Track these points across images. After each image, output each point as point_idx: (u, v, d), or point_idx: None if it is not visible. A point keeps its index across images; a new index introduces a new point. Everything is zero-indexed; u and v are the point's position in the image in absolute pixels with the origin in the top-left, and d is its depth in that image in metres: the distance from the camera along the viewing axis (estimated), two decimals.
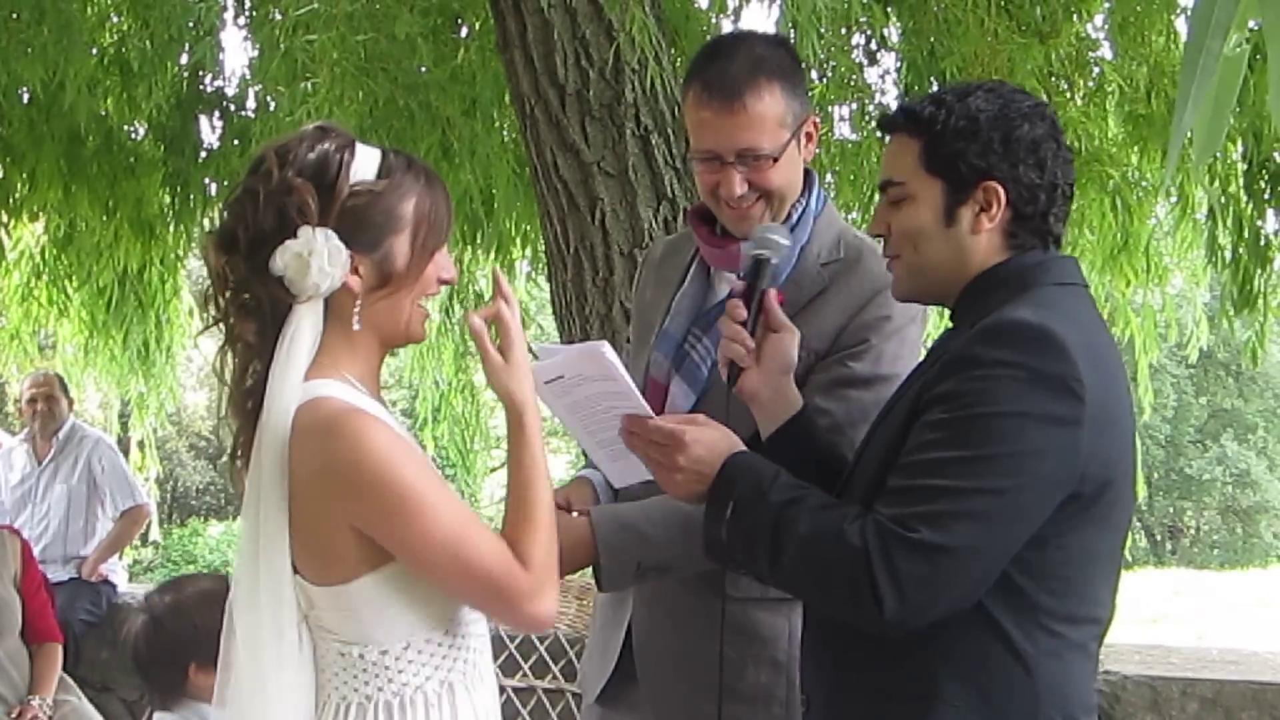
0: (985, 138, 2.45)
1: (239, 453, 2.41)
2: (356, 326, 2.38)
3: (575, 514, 2.95)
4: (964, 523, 2.26)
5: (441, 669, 2.37)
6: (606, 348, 2.56)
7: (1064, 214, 2.54)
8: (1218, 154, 6.06)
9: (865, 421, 2.71)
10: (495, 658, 4.18)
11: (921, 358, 2.78)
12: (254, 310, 2.34)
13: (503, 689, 4.21)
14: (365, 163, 2.38)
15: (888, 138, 2.62)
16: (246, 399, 2.38)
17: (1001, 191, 2.46)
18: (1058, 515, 2.32)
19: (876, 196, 6.52)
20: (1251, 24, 1.20)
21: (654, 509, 2.86)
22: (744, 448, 2.56)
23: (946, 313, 2.66)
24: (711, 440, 2.55)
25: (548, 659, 4.29)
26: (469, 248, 7.58)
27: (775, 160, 2.89)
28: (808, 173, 3.06)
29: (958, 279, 2.52)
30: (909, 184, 2.52)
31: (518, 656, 4.29)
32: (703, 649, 2.90)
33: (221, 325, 2.39)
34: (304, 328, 2.33)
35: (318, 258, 2.29)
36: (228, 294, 2.35)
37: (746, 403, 2.75)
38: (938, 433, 2.33)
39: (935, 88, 6.35)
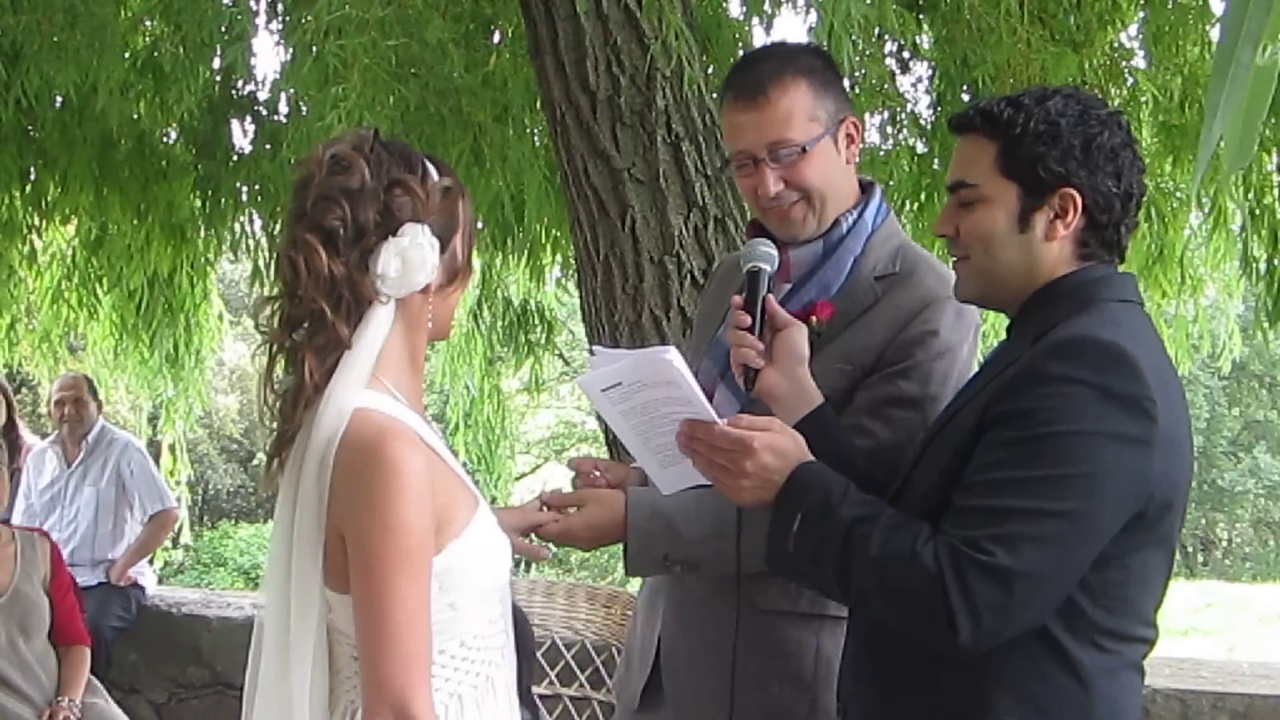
0: (1066, 143, 2.42)
1: (279, 453, 2.38)
2: (430, 324, 2.40)
3: (601, 478, 3.01)
4: (1038, 546, 2.24)
5: (452, 680, 2.35)
6: (674, 354, 2.54)
7: (1133, 225, 2.52)
8: (1252, 164, 6.01)
9: (911, 444, 2.70)
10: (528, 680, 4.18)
11: (976, 369, 2.77)
12: (343, 309, 2.31)
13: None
14: (430, 163, 2.39)
15: (960, 138, 2.58)
16: (305, 401, 2.34)
17: (1079, 199, 2.43)
18: (1121, 536, 2.30)
19: (905, 205, 6.56)
20: None
21: (691, 503, 2.85)
22: (812, 457, 2.53)
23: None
24: (782, 447, 2.51)
25: (574, 667, 4.27)
26: (499, 253, 7.58)
27: (805, 151, 2.88)
28: (869, 185, 3.06)
29: (1025, 286, 2.49)
30: (983, 186, 2.49)
31: (544, 664, 4.27)
32: (726, 660, 2.89)
33: (278, 326, 2.36)
34: (380, 329, 2.33)
35: (420, 254, 2.30)
36: (324, 295, 2.29)
37: (768, 403, 2.74)
38: (1008, 451, 2.30)
39: (967, 97, 6.33)
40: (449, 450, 2.43)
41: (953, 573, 2.24)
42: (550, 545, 2.94)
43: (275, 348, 2.37)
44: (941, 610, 2.25)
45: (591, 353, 2.82)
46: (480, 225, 7.00)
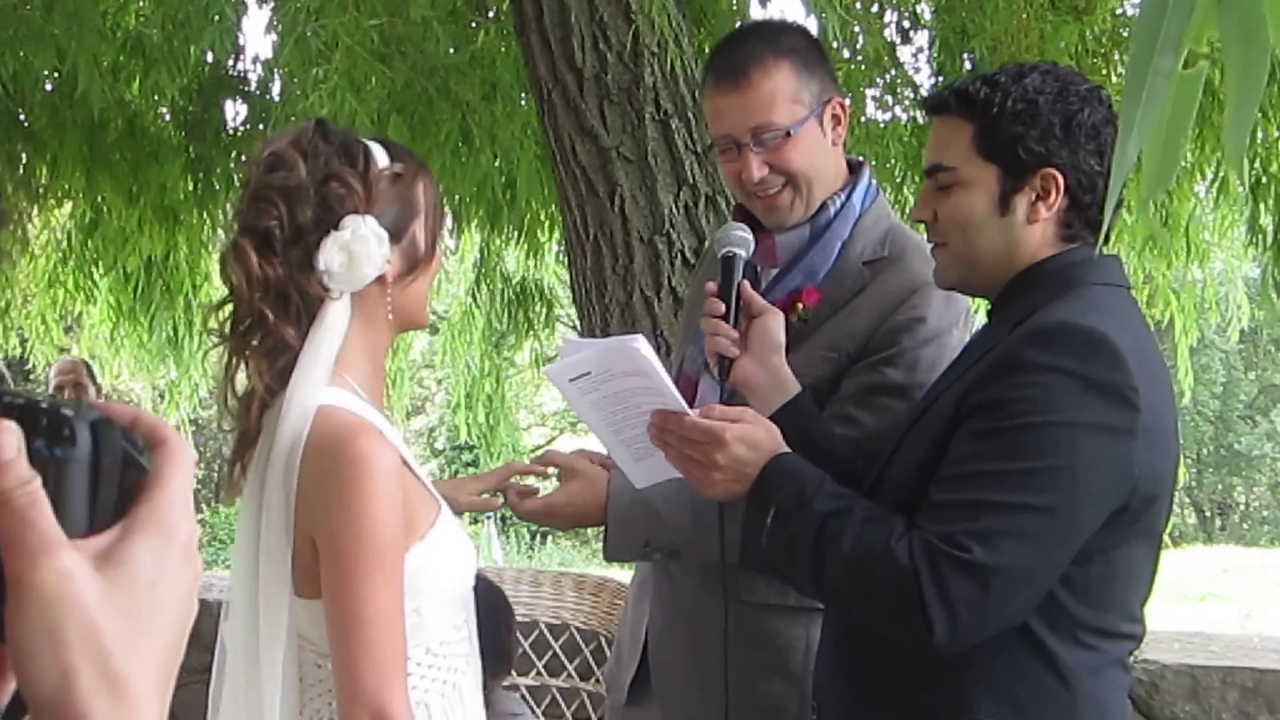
0: (1045, 122, 2.34)
1: (241, 457, 2.34)
2: (390, 317, 2.35)
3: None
4: (1016, 541, 2.17)
5: (419, 689, 2.29)
6: (642, 343, 2.47)
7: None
8: (1256, 133, 5.91)
9: (898, 432, 2.63)
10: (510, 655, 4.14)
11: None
12: (291, 310, 2.27)
13: (516, 687, 4.15)
14: (377, 149, 2.32)
15: (935, 119, 2.51)
16: (259, 404, 2.30)
17: (1061, 179, 2.35)
18: (1104, 529, 2.23)
19: (906, 178, 6.49)
20: None
21: (675, 490, 2.77)
22: (787, 448, 2.46)
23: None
24: (755, 439, 2.44)
25: (563, 657, 4.21)
26: (494, 231, 7.53)
27: (789, 135, 2.81)
28: (858, 165, 2.99)
29: (1006, 270, 2.41)
30: (961, 169, 2.41)
31: (532, 655, 4.22)
32: (713, 655, 2.85)
33: (233, 332, 2.32)
34: (336, 325, 2.28)
35: (365, 246, 2.24)
36: (261, 297, 2.26)
37: (743, 393, 2.67)
38: (986, 442, 2.23)
39: (968, 66, 6.24)
40: (409, 451, 2.39)
41: (928, 569, 2.18)
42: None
43: (232, 350, 2.33)
44: (916, 608, 2.18)
45: (563, 342, 2.78)
46: (472, 204, 6.97)
